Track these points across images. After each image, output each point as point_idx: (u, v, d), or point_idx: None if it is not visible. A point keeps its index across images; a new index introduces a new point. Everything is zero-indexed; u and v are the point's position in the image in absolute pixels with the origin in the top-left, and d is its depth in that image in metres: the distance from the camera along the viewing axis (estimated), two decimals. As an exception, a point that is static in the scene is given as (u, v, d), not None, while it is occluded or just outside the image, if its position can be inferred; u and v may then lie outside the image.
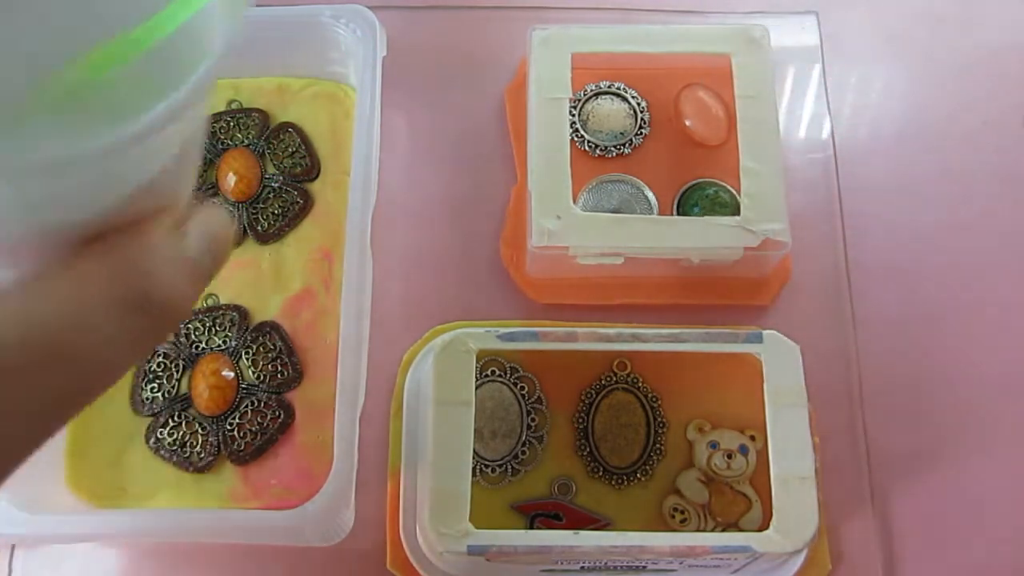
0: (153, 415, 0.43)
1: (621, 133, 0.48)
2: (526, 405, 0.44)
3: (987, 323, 0.47)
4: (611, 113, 0.48)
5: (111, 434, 0.43)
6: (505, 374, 0.44)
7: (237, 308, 0.45)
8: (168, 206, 0.22)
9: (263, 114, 0.49)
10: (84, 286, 0.20)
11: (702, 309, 0.47)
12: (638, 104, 0.49)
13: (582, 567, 0.39)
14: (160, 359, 0.44)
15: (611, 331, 0.41)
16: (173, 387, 0.44)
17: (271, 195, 0.47)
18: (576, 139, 0.47)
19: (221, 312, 0.45)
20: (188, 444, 0.43)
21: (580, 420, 0.44)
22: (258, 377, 0.44)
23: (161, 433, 0.43)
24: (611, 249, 0.43)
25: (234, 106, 0.50)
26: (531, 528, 0.42)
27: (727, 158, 0.46)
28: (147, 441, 0.43)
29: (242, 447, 0.42)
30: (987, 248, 0.49)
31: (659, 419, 0.44)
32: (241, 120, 0.49)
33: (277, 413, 0.43)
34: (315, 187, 0.48)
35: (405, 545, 0.41)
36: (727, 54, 0.46)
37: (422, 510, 0.38)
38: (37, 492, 0.40)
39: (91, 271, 0.20)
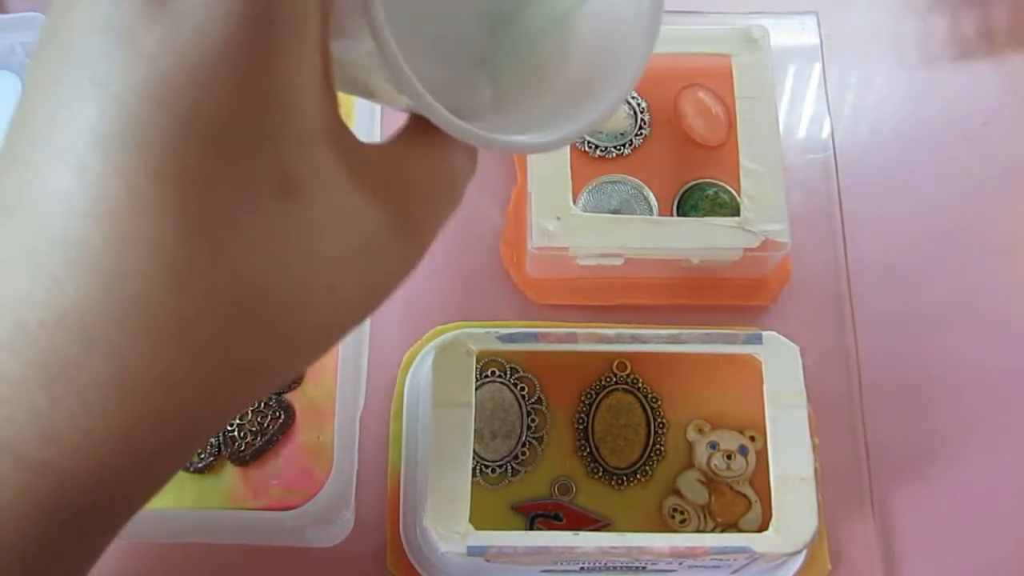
0: (153, 415, 0.43)
1: (621, 133, 0.48)
2: (526, 406, 0.44)
3: (987, 323, 0.47)
4: (611, 113, 0.48)
5: (111, 434, 0.43)
6: (505, 375, 0.44)
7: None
8: None
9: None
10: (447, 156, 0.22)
11: (702, 310, 0.47)
12: (638, 104, 0.48)
13: (582, 568, 0.39)
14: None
15: (611, 332, 0.41)
16: (173, 387, 0.44)
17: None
18: (576, 139, 0.47)
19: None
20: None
21: (580, 421, 0.44)
22: (258, 377, 0.44)
23: (161, 433, 0.43)
24: (611, 250, 0.43)
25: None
26: (531, 529, 0.42)
27: (727, 158, 0.46)
28: (147, 441, 0.43)
29: (242, 448, 0.42)
30: (987, 248, 0.49)
31: (659, 420, 0.44)
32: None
33: (277, 413, 0.43)
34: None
35: (405, 545, 0.41)
36: (727, 54, 0.46)
37: (422, 511, 0.38)
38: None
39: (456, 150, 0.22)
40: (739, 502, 0.42)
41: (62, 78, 0.17)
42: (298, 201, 0.18)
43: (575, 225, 0.43)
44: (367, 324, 0.46)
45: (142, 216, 0.16)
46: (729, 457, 0.42)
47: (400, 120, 0.22)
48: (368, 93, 0.23)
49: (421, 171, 0.21)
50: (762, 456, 0.41)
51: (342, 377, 0.41)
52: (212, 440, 0.43)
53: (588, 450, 0.43)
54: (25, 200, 0.17)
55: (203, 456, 0.42)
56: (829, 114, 0.51)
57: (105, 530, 0.19)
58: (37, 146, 0.17)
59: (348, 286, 0.19)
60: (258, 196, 0.17)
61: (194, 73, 0.16)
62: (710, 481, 0.42)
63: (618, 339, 0.41)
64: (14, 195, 0.17)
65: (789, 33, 0.52)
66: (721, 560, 0.38)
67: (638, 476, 0.43)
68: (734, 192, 0.46)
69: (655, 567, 0.39)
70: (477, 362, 0.40)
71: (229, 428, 0.43)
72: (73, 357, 0.17)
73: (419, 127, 0.21)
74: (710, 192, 0.46)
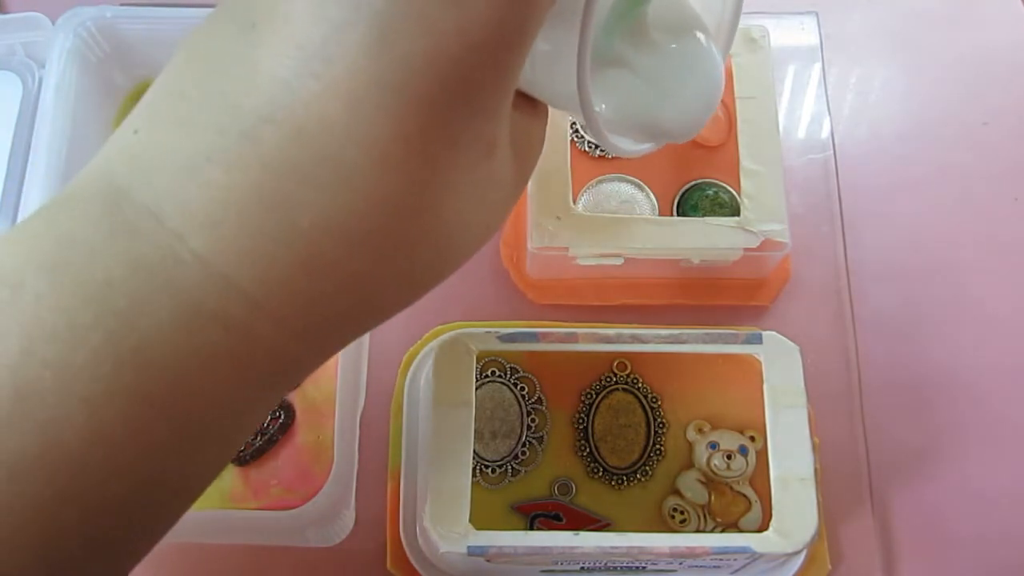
0: (153, 415, 0.43)
1: (621, 133, 0.48)
2: (526, 405, 0.44)
3: (987, 323, 0.47)
4: (611, 113, 0.48)
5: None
6: (505, 375, 0.44)
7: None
8: None
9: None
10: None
11: (702, 309, 0.47)
12: (638, 104, 0.48)
13: (582, 568, 0.39)
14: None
15: (611, 332, 0.41)
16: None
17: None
18: (576, 139, 0.47)
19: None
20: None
21: (580, 420, 0.44)
22: (258, 377, 0.44)
23: (161, 433, 0.43)
24: (611, 249, 0.43)
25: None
26: (531, 529, 0.42)
27: (727, 158, 0.46)
28: (147, 441, 0.43)
29: (242, 447, 0.42)
30: (987, 247, 0.49)
31: (659, 419, 0.44)
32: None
33: (277, 413, 0.43)
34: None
35: (405, 545, 0.41)
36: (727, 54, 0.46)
37: (422, 510, 0.38)
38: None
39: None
40: (739, 502, 0.42)
41: (348, 21, 0.19)
42: (492, 160, 0.23)
43: (575, 225, 0.43)
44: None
45: (405, 155, 0.20)
46: (729, 457, 0.42)
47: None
48: None
49: (530, 134, 0.26)
50: (762, 456, 0.41)
51: (342, 377, 0.41)
52: (212, 440, 0.43)
53: (588, 450, 0.43)
54: (292, 120, 0.19)
55: (203, 456, 0.42)
56: (829, 114, 0.51)
57: (283, 386, 0.23)
58: (309, 71, 0.19)
59: (494, 223, 0.24)
60: (476, 154, 0.22)
61: (466, 54, 0.19)
62: (710, 481, 0.42)
63: (618, 339, 0.41)
64: (281, 119, 0.19)
65: (789, 33, 0.52)
66: (721, 560, 0.38)
67: (638, 476, 0.43)
68: (734, 192, 0.46)
69: (655, 567, 0.39)
70: (477, 362, 0.40)
71: (229, 428, 0.43)
72: (332, 258, 0.20)
73: (527, 98, 0.26)
74: (710, 192, 0.46)
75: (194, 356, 0.20)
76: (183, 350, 0.20)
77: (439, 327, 0.46)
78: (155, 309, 0.19)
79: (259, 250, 0.20)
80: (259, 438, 0.43)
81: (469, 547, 0.37)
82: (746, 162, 0.44)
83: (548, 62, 0.24)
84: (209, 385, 0.20)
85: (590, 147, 0.47)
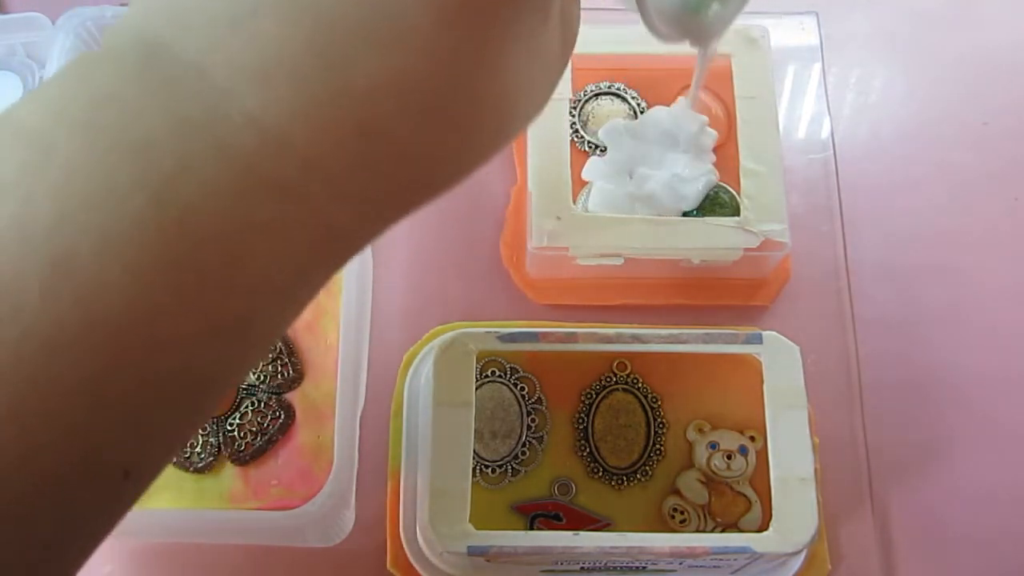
0: (153, 415, 0.43)
1: (621, 133, 0.48)
2: (526, 405, 0.44)
3: (986, 323, 0.47)
4: (611, 113, 0.48)
5: (111, 434, 0.43)
6: (505, 375, 0.44)
7: (237, 308, 0.45)
8: None
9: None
10: None
11: (702, 310, 0.47)
12: (638, 104, 0.48)
13: (582, 567, 0.40)
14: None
15: (611, 332, 0.41)
16: (173, 387, 0.44)
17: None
18: (576, 139, 0.47)
19: (221, 312, 0.45)
20: (188, 444, 0.43)
21: (580, 420, 0.44)
22: (258, 377, 0.44)
23: (161, 433, 0.43)
24: (611, 250, 0.43)
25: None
26: (531, 528, 0.42)
27: (727, 158, 0.46)
28: (147, 441, 0.43)
29: (242, 447, 0.42)
30: (986, 248, 0.49)
31: (659, 420, 0.44)
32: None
33: (277, 413, 0.43)
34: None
35: (405, 545, 0.41)
36: (727, 54, 0.46)
37: (422, 510, 0.38)
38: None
39: None
40: (739, 502, 0.42)
41: None
42: (546, 29, 0.22)
43: (575, 225, 0.43)
44: (367, 323, 0.46)
45: (465, 15, 0.19)
46: (729, 457, 0.42)
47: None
48: None
49: (571, 10, 0.25)
50: (762, 456, 0.41)
51: (342, 377, 0.41)
52: (212, 440, 0.43)
53: (588, 450, 0.43)
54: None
55: (203, 456, 0.42)
56: (829, 114, 0.51)
57: (335, 261, 0.22)
58: None
59: (542, 97, 0.24)
60: (533, 20, 0.21)
61: None
62: (710, 481, 0.42)
63: (618, 339, 0.41)
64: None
65: (789, 33, 0.52)
66: (721, 560, 0.38)
67: (638, 476, 0.43)
68: (734, 192, 0.46)
69: (655, 567, 0.40)
70: (477, 362, 0.40)
71: (229, 428, 0.43)
72: (388, 121, 0.19)
73: None
74: (710, 192, 0.46)
75: (245, 222, 0.18)
76: (234, 215, 0.18)
77: (439, 327, 0.46)
78: (202, 170, 0.18)
79: (313, 109, 0.18)
80: (259, 438, 0.43)
81: (469, 547, 0.37)
82: (746, 162, 0.44)
83: None
84: (262, 255, 0.19)
85: (590, 147, 0.47)
